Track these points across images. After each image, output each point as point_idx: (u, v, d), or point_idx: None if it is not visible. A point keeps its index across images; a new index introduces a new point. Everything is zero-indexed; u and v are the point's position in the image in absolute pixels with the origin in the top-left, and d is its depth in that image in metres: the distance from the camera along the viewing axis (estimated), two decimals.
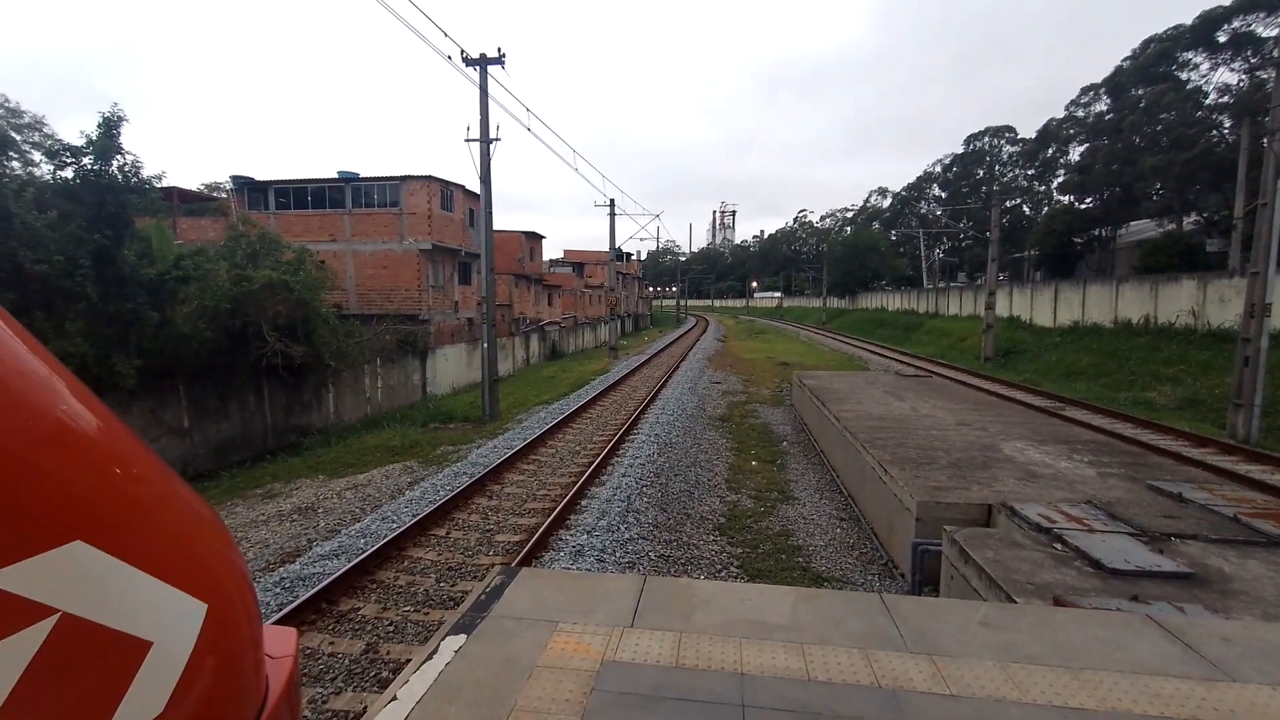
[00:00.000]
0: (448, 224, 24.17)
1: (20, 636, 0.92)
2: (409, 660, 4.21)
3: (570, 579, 3.79)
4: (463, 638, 3.01)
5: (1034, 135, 52.37)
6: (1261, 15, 31.93)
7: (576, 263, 53.33)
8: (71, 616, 1.00)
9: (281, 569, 7.27)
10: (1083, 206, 44.30)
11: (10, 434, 0.96)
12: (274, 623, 4.97)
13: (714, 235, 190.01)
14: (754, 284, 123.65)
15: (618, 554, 7.47)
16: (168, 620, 1.27)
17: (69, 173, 12.20)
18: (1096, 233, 43.93)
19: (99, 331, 11.74)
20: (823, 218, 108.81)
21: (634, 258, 72.03)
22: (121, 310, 12.00)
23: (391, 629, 5.89)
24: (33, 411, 1.06)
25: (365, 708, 4.54)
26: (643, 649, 2.93)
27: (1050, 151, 50.00)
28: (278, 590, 6.64)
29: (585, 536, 7.89)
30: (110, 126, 12.04)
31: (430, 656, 2.85)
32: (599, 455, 11.52)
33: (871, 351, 35.17)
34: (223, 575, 1.48)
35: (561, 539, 7.93)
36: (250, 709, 1.59)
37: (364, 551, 7.32)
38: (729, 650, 2.92)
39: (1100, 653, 2.93)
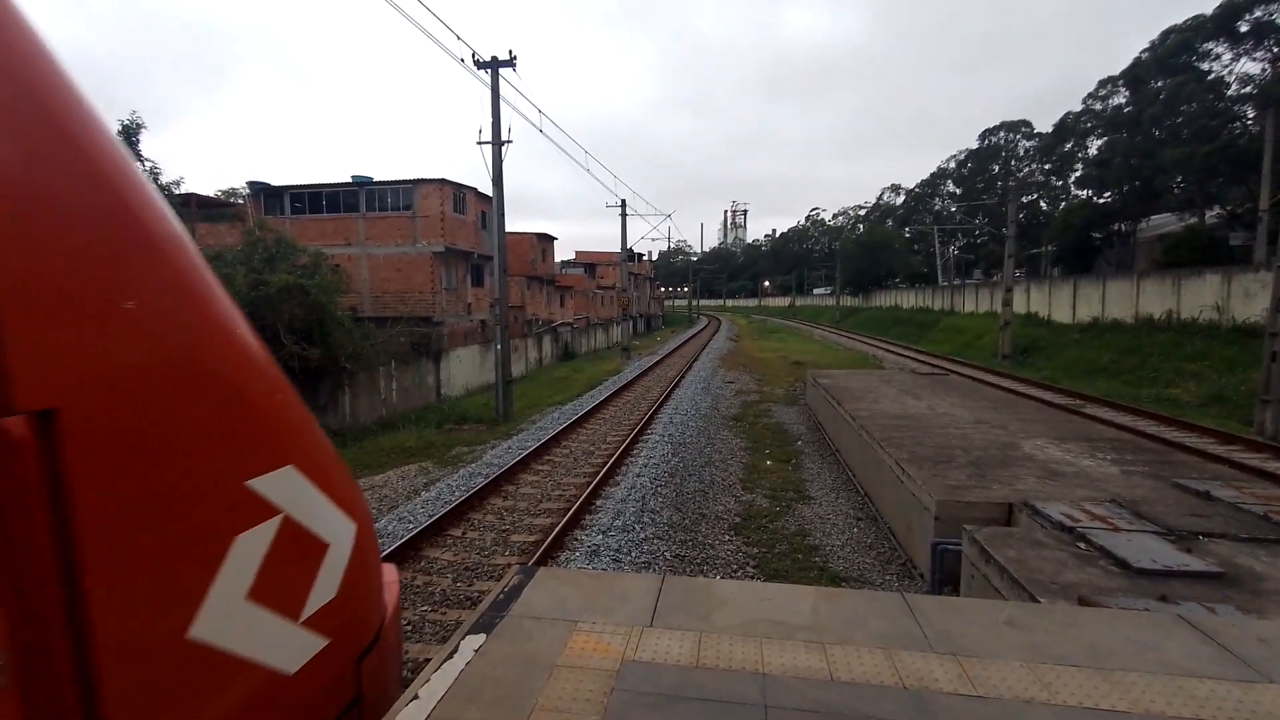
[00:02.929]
0: (460, 226, 24.32)
1: (265, 526, 1.43)
2: (428, 660, 4.22)
3: (588, 578, 3.78)
4: (482, 637, 3.01)
5: (1050, 129, 51.62)
6: None
7: (588, 264, 53.48)
8: (289, 518, 1.51)
9: None
10: (1101, 201, 43.57)
11: (258, 385, 1.52)
12: None
13: (725, 235, 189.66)
14: (766, 283, 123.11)
15: (633, 554, 7.46)
16: (336, 531, 1.85)
17: None
18: (1116, 227, 43.21)
19: None
20: (835, 216, 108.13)
21: (645, 258, 72.02)
22: None
23: (409, 629, 5.92)
24: (264, 367, 1.63)
25: None
26: (662, 649, 2.91)
27: (1068, 146, 49.22)
28: None
29: (601, 536, 7.89)
30: (129, 134, 12.27)
31: (450, 655, 2.85)
32: (613, 455, 11.52)
33: (886, 350, 34.88)
34: (360, 506, 2.07)
35: (577, 539, 7.93)
36: (379, 614, 2.40)
37: (380, 553, 7.36)
38: (749, 650, 2.89)
39: (1131, 653, 2.87)
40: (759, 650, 2.89)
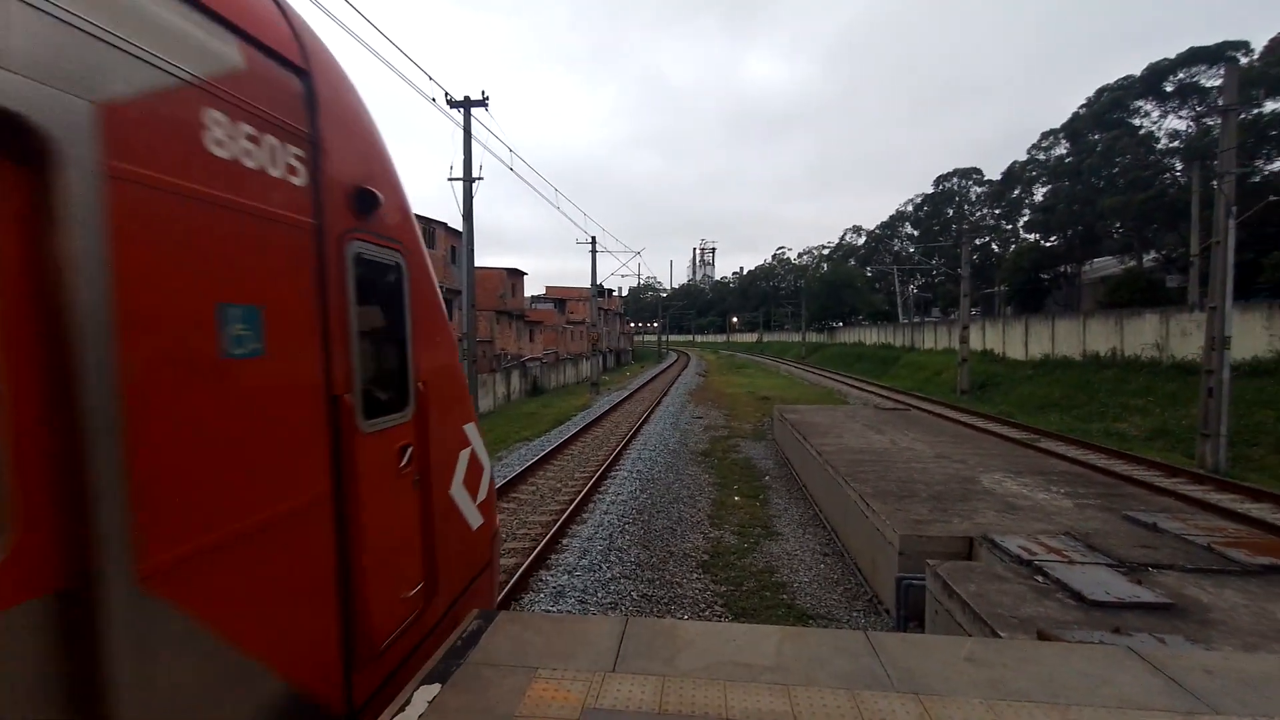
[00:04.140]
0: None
1: (466, 450, 3.56)
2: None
3: (550, 622, 3.68)
4: (437, 687, 2.89)
5: (999, 176, 54.67)
6: (1204, 67, 34.12)
7: (558, 299, 53.60)
8: (473, 450, 3.66)
9: None
10: (1048, 244, 46.01)
11: (463, 377, 3.76)
12: None
13: (694, 272, 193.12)
14: (734, 319, 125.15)
15: (600, 594, 7.31)
16: (485, 462, 3.93)
17: None
18: (1062, 269, 45.58)
19: None
20: (800, 254, 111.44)
21: (616, 294, 72.58)
22: None
23: None
24: (462, 368, 3.76)
25: None
26: (624, 695, 2.84)
27: (1016, 192, 52.13)
28: None
29: (566, 577, 7.72)
30: None
31: (403, 708, 2.73)
32: (580, 492, 11.36)
33: (850, 385, 35.57)
34: (486, 453, 4.07)
35: (542, 579, 7.74)
36: (496, 518, 4.19)
37: None
38: (713, 694, 2.84)
39: (1086, 687, 2.92)
40: (723, 694, 2.85)
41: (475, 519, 3.68)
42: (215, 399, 1.91)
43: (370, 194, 2.72)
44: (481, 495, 3.78)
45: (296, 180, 2.30)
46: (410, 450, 2.90)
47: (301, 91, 2.41)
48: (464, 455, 3.58)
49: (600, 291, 42.97)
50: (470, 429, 3.77)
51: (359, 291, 2.60)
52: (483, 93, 16.25)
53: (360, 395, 2.53)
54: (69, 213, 1.50)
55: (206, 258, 1.92)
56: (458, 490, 3.44)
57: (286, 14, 2.48)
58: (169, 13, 1.87)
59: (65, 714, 1.47)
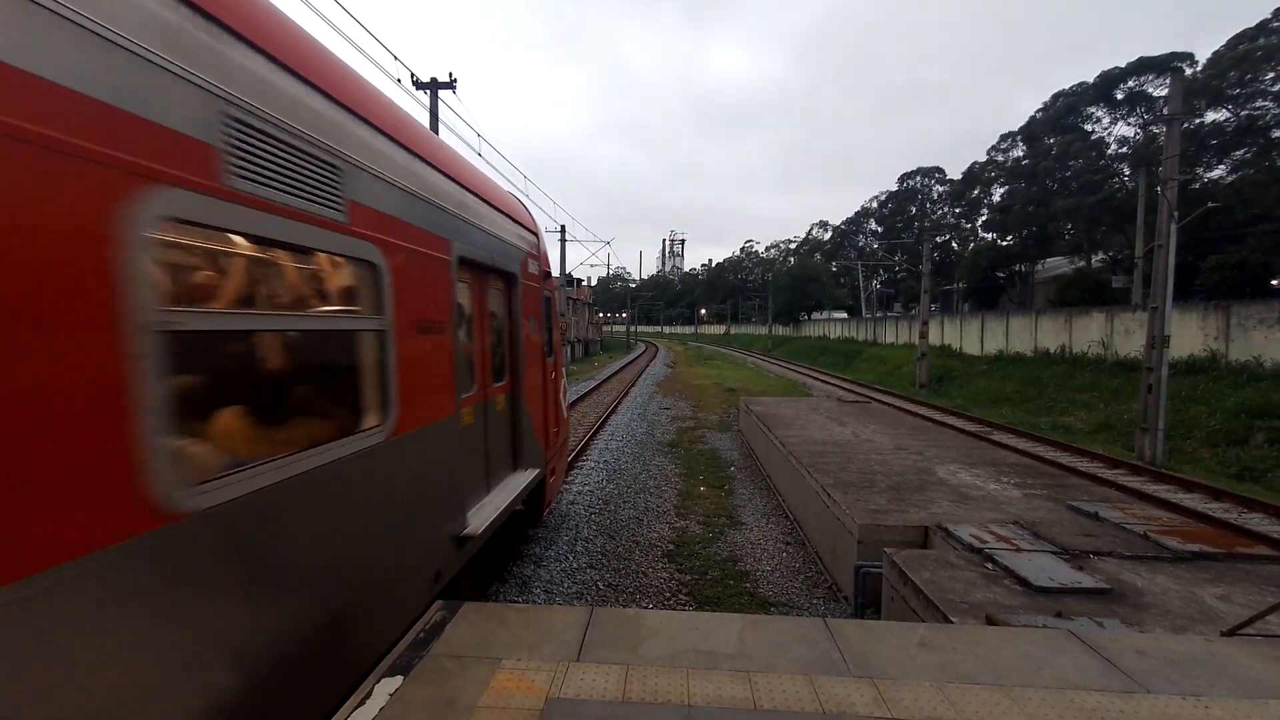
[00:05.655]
0: None
1: (564, 380, 8.66)
2: None
3: (515, 612, 3.67)
4: (399, 679, 2.86)
5: (960, 176, 56.11)
6: (1152, 76, 35.60)
7: None
8: (564, 380, 8.72)
9: None
10: (1005, 243, 47.55)
11: (561, 343, 9.15)
12: None
13: (664, 262, 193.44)
14: (702, 311, 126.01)
15: (566, 584, 7.31)
16: (566, 385, 9.29)
17: None
18: (1017, 268, 47.19)
19: None
20: (768, 248, 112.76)
21: (585, 283, 72.13)
22: None
23: None
24: (560, 338, 8.71)
25: None
26: (588, 683, 2.87)
27: (975, 192, 53.64)
28: None
29: (532, 567, 7.69)
30: None
31: (363, 701, 2.69)
32: None
33: (814, 378, 36.22)
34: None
35: (509, 570, 7.69)
36: (568, 421, 10.38)
37: None
38: (676, 681, 2.89)
39: (1029, 669, 3.06)
40: (685, 681, 2.89)
41: (565, 413, 8.14)
42: (530, 349, 6.21)
43: (548, 273, 6.93)
44: (567, 402, 8.17)
45: (537, 273, 6.55)
46: (552, 373, 6.93)
47: (535, 240, 6.61)
48: (563, 382, 7.88)
49: (569, 281, 42.63)
50: (563, 369, 7.85)
51: (545, 311, 6.65)
52: (450, 75, 15.86)
53: (547, 348, 6.57)
54: (517, 296, 6.06)
55: (532, 304, 6.41)
56: (561, 395, 7.60)
57: (527, 208, 6.66)
58: (522, 229, 6.37)
59: (512, 428, 6.01)
